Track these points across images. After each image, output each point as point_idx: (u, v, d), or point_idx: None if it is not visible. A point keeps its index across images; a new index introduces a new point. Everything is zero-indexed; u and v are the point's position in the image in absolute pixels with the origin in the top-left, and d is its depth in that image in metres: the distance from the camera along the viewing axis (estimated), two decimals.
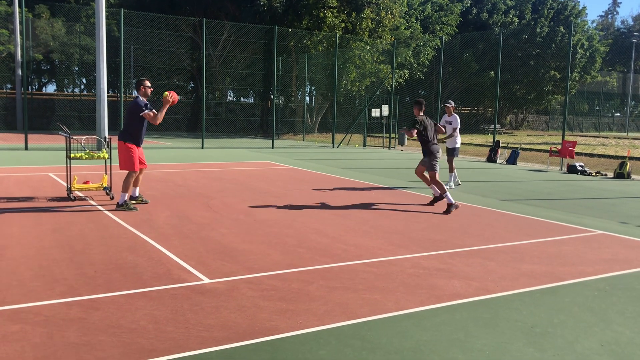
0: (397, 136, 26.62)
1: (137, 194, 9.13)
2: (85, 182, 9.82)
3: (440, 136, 10.87)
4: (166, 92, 8.63)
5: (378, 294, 5.03)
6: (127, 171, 8.71)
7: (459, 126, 12.28)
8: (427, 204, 9.93)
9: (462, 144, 28.34)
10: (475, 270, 5.89)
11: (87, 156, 9.51)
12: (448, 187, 12.06)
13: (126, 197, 8.66)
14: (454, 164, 12.32)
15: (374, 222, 8.25)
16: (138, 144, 8.80)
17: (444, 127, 12.09)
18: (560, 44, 44.92)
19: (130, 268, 5.61)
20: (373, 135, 30.68)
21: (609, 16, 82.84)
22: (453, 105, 12.53)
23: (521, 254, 6.61)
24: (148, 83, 8.89)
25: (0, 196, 9.45)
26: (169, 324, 4.22)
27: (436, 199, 9.92)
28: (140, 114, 8.60)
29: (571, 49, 19.49)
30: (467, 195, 11.28)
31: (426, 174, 9.89)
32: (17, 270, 5.42)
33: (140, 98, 8.73)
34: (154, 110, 8.72)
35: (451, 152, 12.26)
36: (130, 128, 8.69)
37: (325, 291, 5.07)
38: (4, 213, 8.09)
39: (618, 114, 62.81)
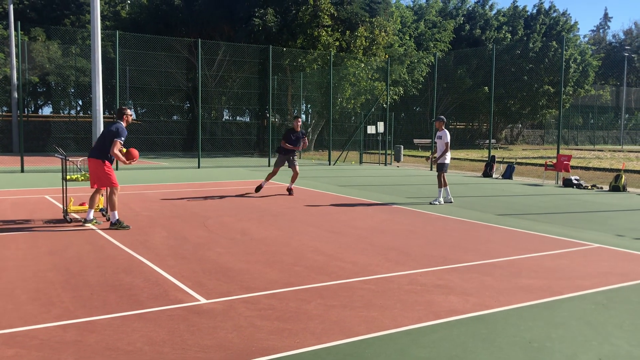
0: (393, 152, 26.69)
1: (92, 217, 9.08)
2: (82, 204, 9.81)
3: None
4: (135, 153, 9.03)
5: (375, 312, 5.02)
6: (110, 189, 8.83)
7: (448, 141, 12.33)
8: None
9: (457, 159, 28.44)
10: (473, 285, 5.89)
11: (83, 178, 9.52)
12: (437, 202, 12.13)
13: (116, 215, 8.73)
14: (445, 179, 12.36)
15: (371, 239, 8.24)
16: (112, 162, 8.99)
17: (435, 142, 12.52)
18: (553, 59, 45.32)
19: (127, 289, 5.59)
20: (369, 152, 30.77)
21: (601, 30, 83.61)
22: (444, 120, 12.64)
23: (518, 269, 6.61)
24: (129, 111, 9.21)
25: None
26: (166, 345, 4.19)
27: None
28: (115, 139, 8.67)
29: (564, 63, 19.66)
30: (463, 210, 11.29)
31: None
32: (12, 293, 5.39)
33: (123, 125, 8.89)
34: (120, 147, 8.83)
35: (441, 167, 12.29)
36: (106, 148, 8.76)
37: (323, 309, 5.06)
38: (0, 235, 8.06)
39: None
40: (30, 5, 37.03)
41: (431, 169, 21.74)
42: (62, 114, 37.76)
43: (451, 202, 12.25)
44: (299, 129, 13.78)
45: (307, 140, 13.95)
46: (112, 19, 38.12)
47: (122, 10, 39.35)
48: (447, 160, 12.39)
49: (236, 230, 8.81)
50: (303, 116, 35.88)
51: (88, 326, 4.57)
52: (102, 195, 9.78)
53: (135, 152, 9.08)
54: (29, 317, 4.75)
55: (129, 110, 9.19)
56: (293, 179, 13.64)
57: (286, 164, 13.74)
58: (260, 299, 5.35)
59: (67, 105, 38.67)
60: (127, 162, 9.01)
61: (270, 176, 13.70)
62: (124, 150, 8.95)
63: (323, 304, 5.22)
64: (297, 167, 13.73)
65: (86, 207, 9.60)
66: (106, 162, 8.80)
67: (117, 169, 8.83)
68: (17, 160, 19.94)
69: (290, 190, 13.48)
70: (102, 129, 18.23)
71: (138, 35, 27.20)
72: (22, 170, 18.26)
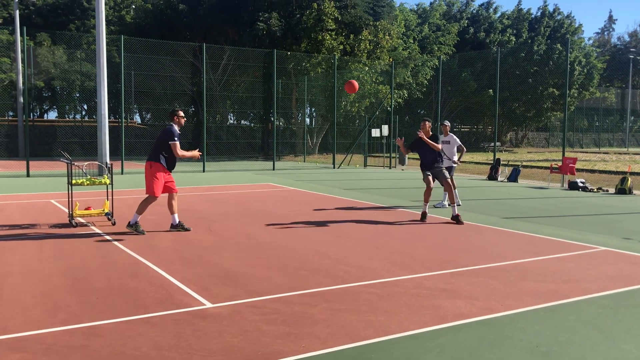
0: (397, 155, 26.67)
1: (177, 222, 9.01)
2: (87, 208, 9.82)
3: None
4: (198, 153, 9.18)
5: (381, 316, 5.01)
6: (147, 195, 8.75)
7: (460, 143, 12.40)
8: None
9: (463, 162, 28.39)
10: (479, 289, 5.86)
11: (88, 182, 9.54)
12: (442, 206, 12.15)
13: (138, 218, 8.69)
14: (454, 182, 12.33)
15: (376, 243, 8.23)
16: (169, 169, 8.86)
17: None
18: (558, 61, 45.22)
19: (133, 294, 5.59)
20: (373, 155, 30.74)
21: (605, 33, 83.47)
22: (449, 125, 12.65)
23: (524, 272, 6.58)
24: (181, 113, 9.04)
25: (2, 223, 9.45)
26: (172, 350, 4.19)
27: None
28: (169, 142, 8.65)
29: (569, 66, 19.64)
30: (469, 213, 11.26)
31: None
32: (19, 298, 5.40)
33: (175, 127, 8.82)
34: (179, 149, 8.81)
35: (448, 171, 12.27)
36: (159, 153, 8.74)
37: (329, 314, 5.05)
38: (6, 240, 8.09)
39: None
40: (35, 10, 37.24)
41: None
42: (68, 119, 37.92)
43: (445, 206, 12.22)
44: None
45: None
46: (117, 23, 38.29)
47: (127, 15, 39.52)
48: (455, 164, 12.40)
49: (241, 234, 8.81)
50: (307, 119, 35.94)
51: (94, 331, 4.57)
52: (107, 200, 9.79)
53: (197, 154, 9.17)
54: (34, 322, 4.75)
55: (181, 112, 9.02)
56: (450, 196, 10.57)
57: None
58: (265, 303, 5.34)
59: (73, 110, 38.83)
60: (193, 157, 9.10)
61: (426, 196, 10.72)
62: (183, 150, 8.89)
63: (329, 308, 5.21)
64: (448, 180, 10.69)
65: (92, 211, 9.63)
66: (153, 166, 8.69)
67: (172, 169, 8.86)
68: (23, 165, 20.01)
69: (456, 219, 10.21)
70: (107, 133, 18.31)
71: (143, 40, 27.29)
72: (28, 175, 18.33)
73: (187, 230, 9.01)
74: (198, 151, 9.23)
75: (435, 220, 10.39)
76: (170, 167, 8.85)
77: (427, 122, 10.83)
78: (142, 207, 8.73)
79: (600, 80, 53.09)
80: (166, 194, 8.89)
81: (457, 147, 12.37)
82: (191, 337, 4.46)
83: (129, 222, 8.72)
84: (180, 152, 8.73)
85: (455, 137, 12.45)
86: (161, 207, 11.47)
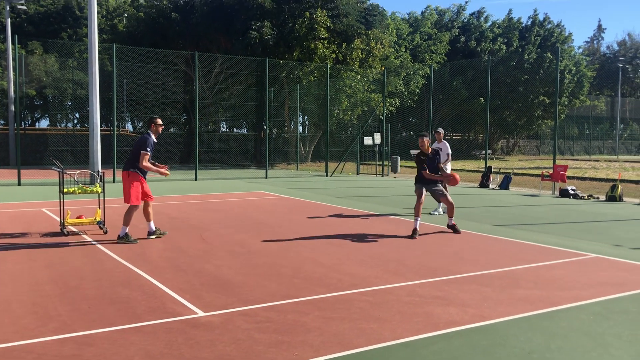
0: (390, 164, 26.73)
1: (153, 228, 9.02)
2: (79, 217, 9.78)
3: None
4: (166, 172, 9.09)
5: (374, 324, 5.01)
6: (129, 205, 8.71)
7: (450, 152, 12.45)
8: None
9: (454, 169, 28.47)
10: (471, 296, 5.88)
11: (80, 191, 9.50)
12: (436, 213, 12.18)
13: (126, 230, 8.66)
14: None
15: (369, 250, 8.24)
16: (143, 175, 8.83)
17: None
18: (548, 70, 45.56)
19: (124, 302, 5.57)
20: (366, 163, 30.80)
21: (595, 42, 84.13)
22: (442, 132, 12.70)
23: (516, 280, 6.61)
24: (159, 121, 9.00)
25: None
26: (164, 359, 4.17)
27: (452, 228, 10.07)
28: (141, 151, 8.62)
29: (559, 74, 19.78)
30: (461, 221, 11.30)
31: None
32: (9, 307, 5.37)
33: (152, 137, 8.79)
34: (149, 160, 8.78)
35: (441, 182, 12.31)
36: (135, 160, 8.71)
37: (321, 322, 5.05)
38: None
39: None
40: (27, 19, 37.15)
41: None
42: (59, 127, 37.77)
43: (440, 214, 12.25)
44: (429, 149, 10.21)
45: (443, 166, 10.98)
46: (109, 32, 38.25)
47: (119, 23, 39.50)
48: (448, 171, 12.43)
49: (234, 242, 8.79)
50: (300, 128, 35.98)
51: (86, 340, 4.55)
52: (99, 208, 9.76)
53: (165, 171, 9.10)
54: (25, 331, 4.72)
55: (158, 120, 8.97)
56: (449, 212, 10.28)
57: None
58: (258, 311, 5.33)
59: (64, 118, 38.68)
60: (160, 174, 9.01)
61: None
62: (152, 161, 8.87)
63: (321, 316, 5.21)
64: (449, 197, 10.18)
65: (83, 219, 9.58)
66: (131, 175, 8.67)
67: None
68: (14, 174, 19.91)
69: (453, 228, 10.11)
70: (99, 141, 18.26)
71: (135, 48, 27.27)
72: (19, 184, 18.22)
73: (163, 234, 9.10)
74: (167, 169, 9.16)
75: (428, 228, 10.41)
76: (145, 173, 8.86)
77: (425, 139, 9.89)
78: (127, 218, 8.69)
79: (590, 89, 53.50)
80: (146, 201, 8.91)
81: (447, 154, 12.38)
82: (183, 345, 4.45)
83: (119, 235, 8.69)
84: (146, 163, 8.68)
85: (447, 144, 12.52)
86: (153, 216, 11.43)
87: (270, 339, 4.61)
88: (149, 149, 8.65)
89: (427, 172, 9.89)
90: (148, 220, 8.97)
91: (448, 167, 12.42)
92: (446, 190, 10.40)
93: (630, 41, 73.12)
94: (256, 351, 4.34)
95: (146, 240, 8.85)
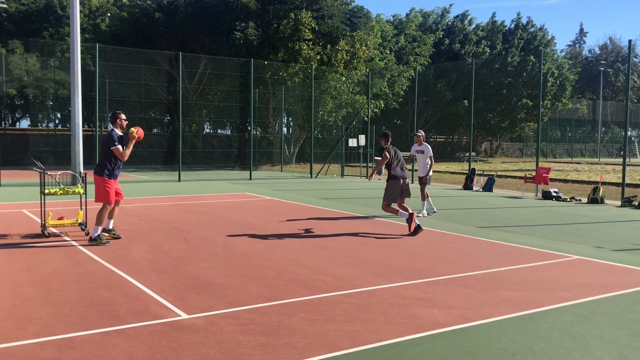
0: (374, 165, 26.79)
1: (110, 227, 8.99)
2: (60, 218, 9.65)
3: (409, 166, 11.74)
4: (132, 129, 8.68)
5: (359, 325, 5.00)
6: (102, 204, 8.61)
7: (432, 154, 12.47)
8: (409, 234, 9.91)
9: (438, 172, 28.64)
10: (455, 298, 5.90)
11: (61, 192, 9.39)
12: (421, 215, 12.19)
13: (99, 230, 8.54)
14: (427, 191, 12.46)
15: (354, 252, 8.23)
16: (114, 177, 8.72)
17: (414, 156, 12.61)
18: (531, 73, 46.00)
19: (107, 305, 5.50)
20: (351, 164, 30.85)
21: (577, 45, 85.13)
22: (423, 134, 12.72)
23: (500, 281, 6.65)
24: (123, 116, 8.88)
25: None
26: None
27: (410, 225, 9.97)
28: (111, 148, 8.55)
29: (542, 77, 19.96)
30: (444, 223, 11.35)
31: (395, 205, 10.14)
32: None
33: (116, 131, 8.71)
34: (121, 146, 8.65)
35: (423, 181, 12.38)
36: (105, 161, 8.62)
37: (306, 324, 5.03)
38: None
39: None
40: (8, 17, 36.68)
41: (412, 181, 21.84)
42: (41, 127, 37.34)
43: (425, 215, 12.27)
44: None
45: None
46: (91, 31, 37.89)
47: (102, 23, 39.15)
48: (430, 173, 12.51)
49: (217, 244, 8.74)
50: (284, 129, 35.93)
51: (67, 343, 4.48)
52: (80, 209, 9.65)
53: (135, 132, 8.69)
54: (5, 335, 4.64)
55: (122, 115, 8.85)
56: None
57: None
58: (242, 313, 5.30)
59: (46, 118, 38.25)
60: (137, 139, 8.68)
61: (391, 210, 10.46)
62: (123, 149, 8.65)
63: (306, 318, 5.19)
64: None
65: (65, 221, 9.47)
66: (103, 177, 8.57)
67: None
68: None
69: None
70: (81, 142, 18.06)
71: (118, 48, 27.06)
72: None
73: (118, 237, 8.98)
74: (138, 130, 8.72)
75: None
76: (116, 175, 8.75)
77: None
78: (100, 218, 8.57)
79: (572, 92, 54.08)
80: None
81: (430, 157, 12.41)
82: (166, 348, 4.40)
83: (90, 237, 8.57)
84: (124, 153, 8.61)
85: (429, 147, 12.52)
86: (134, 217, 11.35)
87: (254, 341, 4.58)
88: (117, 143, 8.55)
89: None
90: (110, 217, 8.91)
91: (430, 172, 12.45)
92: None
93: (612, 45, 74.07)
94: (240, 354, 4.31)
95: (128, 242, 8.76)
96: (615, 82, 69.54)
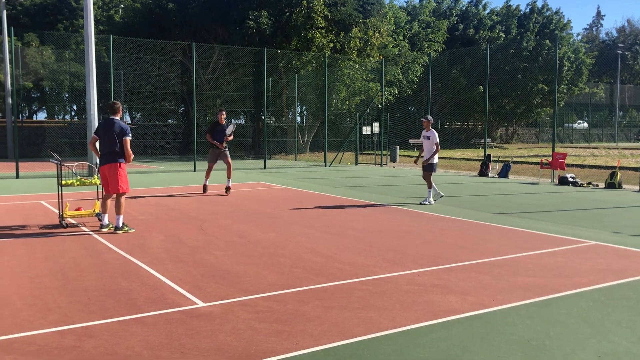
0: (388, 153, 26.71)
1: (107, 221, 8.95)
2: (77, 209, 9.77)
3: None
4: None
5: (374, 312, 5.02)
6: (119, 193, 8.71)
7: (438, 141, 12.30)
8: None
9: (453, 158, 28.48)
10: (471, 284, 5.89)
11: (78, 183, 9.49)
12: (427, 202, 12.09)
13: (121, 218, 8.74)
14: (431, 179, 12.33)
15: (368, 240, 8.24)
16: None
17: (422, 142, 12.47)
18: (547, 57, 45.42)
19: (124, 294, 5.57)
20: (365, 152, 30.78)
21: (594, 29, 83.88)
22: (430, 119, 12.57)
23: (516, 267, 6.62)
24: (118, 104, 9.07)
25: None
26: (164, 349, 4.18)
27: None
28: (125, 138, 8.65)
29: (558, 62, 19.71)
30: (460, 209, 11.30)
31: None
32: (9, 300, 5.37)
33: (122, 121, 8.87)
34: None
35: (429, 168, 12.27)
36: (117, 148, 8.71)
37: (321, 311, 5.05)
38: None
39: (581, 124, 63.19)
40: (23, 10, 36.97)
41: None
42: (57, 119, 37.68)
43: (432, 203, 12.15)
44: (224, 122, 13.96)
45: (230, 135, 14.12)
46: (105, 23, 38.08)
47: (116, 14, 39.32)
48: (436, 160, 12.36)
49: (233, 232, 8.79)
50: (298, 118, 35.87)
51: (86, 331, 4.55)
52: (97, 200, 9.75)
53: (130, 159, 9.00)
54: (25, 324, 4.72)
55: (117, 103, 9.02)
56: (228, 174, 13.95)
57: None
58: (258, 301, 5.34)
59: (62, 110, 38.58)
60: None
61: (208, 174, 14.10)
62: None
63: (321, 305, 5.22)
64: (229, 159, 14.04)
65: (82, 211, 9.58)
66: (122, 165, 8.72)
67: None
68: (12, 166, 19.86)
69: (227, 189, 13.81)
70: None
71: (132, 40, 27.15)
72: (17, 176, 18.20)
73: (108, 225, 9.01)
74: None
75: (427, 217, 10.41)
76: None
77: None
78: (119, 208, 8.71)
79: (589, 76, 53.36)
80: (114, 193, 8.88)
81: (435, 143, 12.25)
82: (183, 336, 4.45)
83: (116, 226, 8.71)
84: (129, 152, 8.78)
85: (435, 133, 12.36)
86: (151, 207, 11.45)
87: (270, 328, 4.62)
88: (130, 134, 8.78)
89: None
90: (105, 212, 8.93)
91: (436, 156, 12.28)
92: None
93: (630, 27, 72.91)
94: (256, 341, 4.35)
95: (145, 231, 8.84)
96: (633, 65, 68.54)
